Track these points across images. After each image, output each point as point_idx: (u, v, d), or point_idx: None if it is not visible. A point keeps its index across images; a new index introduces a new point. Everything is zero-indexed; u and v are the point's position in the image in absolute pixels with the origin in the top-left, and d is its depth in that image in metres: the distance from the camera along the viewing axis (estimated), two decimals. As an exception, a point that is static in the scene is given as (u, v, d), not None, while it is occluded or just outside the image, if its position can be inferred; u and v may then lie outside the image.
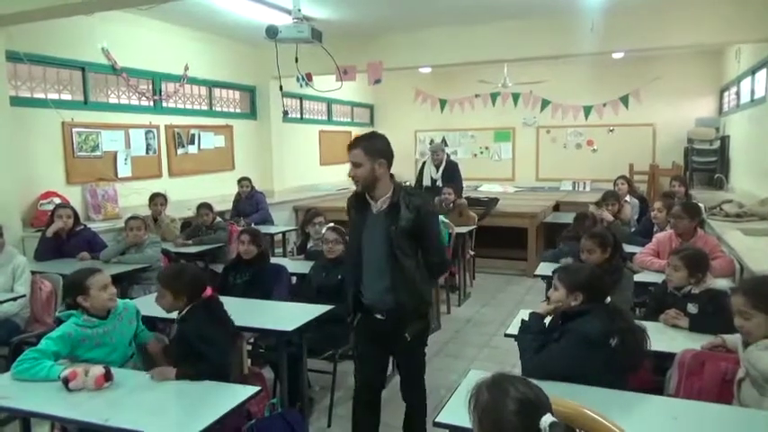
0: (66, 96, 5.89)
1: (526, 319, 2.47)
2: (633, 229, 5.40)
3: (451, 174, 7.07)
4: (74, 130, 5.82)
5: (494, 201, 7.65)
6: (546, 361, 2.25)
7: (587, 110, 10.34)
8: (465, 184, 7.88)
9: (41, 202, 5.39)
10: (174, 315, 2.68)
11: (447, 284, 5.74)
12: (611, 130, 10.25)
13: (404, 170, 11.49)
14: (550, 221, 7.39)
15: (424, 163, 7.48)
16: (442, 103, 11.33)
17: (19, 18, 4.60)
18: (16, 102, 5.18)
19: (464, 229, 5.96)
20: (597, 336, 2.20)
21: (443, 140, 11.04)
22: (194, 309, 2.60)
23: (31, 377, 2.33)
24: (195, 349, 2.45)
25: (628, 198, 6.11)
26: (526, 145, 10.93)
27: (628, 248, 4.14)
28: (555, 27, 6.63)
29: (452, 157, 7.88)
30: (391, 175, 2.66)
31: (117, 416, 2.03)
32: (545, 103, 10.59)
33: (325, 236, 3.90)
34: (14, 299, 3.76)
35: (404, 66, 7.89)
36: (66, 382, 2.24)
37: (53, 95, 5.73)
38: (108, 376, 2.27)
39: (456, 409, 2.09)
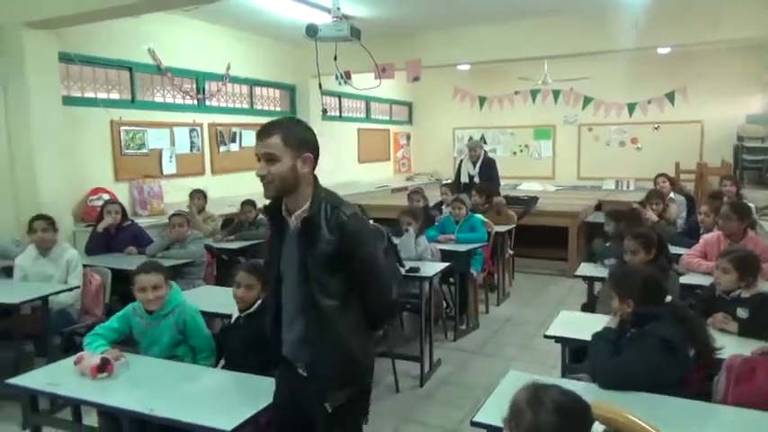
0: (115, 96, 6.09)
1: (568, 320, 2.43)
2: (680, 230, 5.24)
3: (488, 170, 7.01)
4: (121, 128, 6.02)
5: (533, 199, 7.54)
6: (623, 366, 2.20)
7: (631, 107, 10.09)
8: (504, 182, 7.81)
9: (91, 198, 5.59)
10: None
11: (485, 284, 5.69)
12: (656, 128, 9.97)
13: (442, 167, 11.49)
14: (592, 221, 7.23)
15: (461, 160, 7.43)
16: (481, 100, 11.24)
17: (70, 21, 4.77)
18: (68, 101, 5.37)
19: (503, 228, 5.90)
20: (675, 339, 2.16)
21: (482, 138, 10.94)
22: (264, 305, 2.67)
23: (87, 350, 2.55)
24: (260, 344, 2.51)
25: (672, 195, 5.92)
26: (567, 143, 10.74)
27: (674, 249, 4.03)
28: (596, 22, 6.49)
29: (491, 155, 7.80)
30: (315, 179, 1.93)
31: (161, 406, 2.10)
32: (587, 101, 10.38)
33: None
34: (70, 290, 3.91)
35: (442, 63, 7.85)
36: (75, 363, 2.43)
37: (102, 95, 5.93)
38: (102, 368, 2.36)
39: (494, 410, 2.07)
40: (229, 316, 2.92)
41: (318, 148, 1.92)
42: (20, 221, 4.80)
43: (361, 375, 1.97)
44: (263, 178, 1.85)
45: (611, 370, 2.21)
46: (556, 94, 10.49)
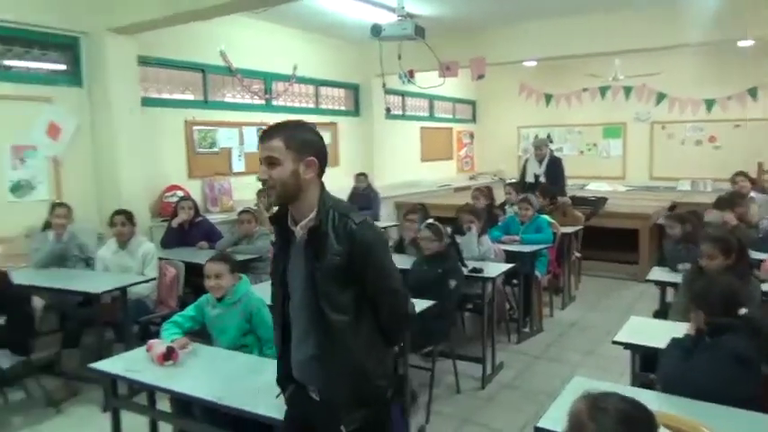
0: (189, 96, 6.36)
1: (638, 326, 2.35)
2: (762, 234, 4.92)
3: (554, 170, 6.83)
4: (194, 128, 6.27)
5: (602, 200, 7.29)
6: (690, 374, 2.13)
7: (709, 103, 9.55)
8: (570, 182, 7.60)
9: (166, 194, 5.87)
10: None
11: (550, 286, 5.56)
12: (736, 126, 9.40)
13: (506, 167, 11.30)
14: (665, 223, 6.91)
15: (527, 159, 7.28)
16: (548, 97, 10.96)
17: (148, 25, 5.02)
18: (146, 102, 5.65)
19: (569, 230, 5.75)
20: (747, 354, 2.08)
21: (548, 136, 10.67)
22: None
23: (162, 337, 2.71)
24: None
25: (753, 194, 5.55)
26: (638, 141, 10.30)
27: (755, 255, 3.79)
28: (670, 15, 6.19)
29: (557, 154, 7.61)
30: (322, 186, 1.79)
31: (229, 395, 2.17)
32: (660, 97, 9.92)
33: (421, 233, 3.91)
34: (147, 281, 4.12)
35: (508, 60, 7.72)
36: (147, 351, 2.59)
37: (177, 96, 6.21)
38: (167, 356, 2.50)
39: (557, 416, 2.03)
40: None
41: (325, 152, 1.80)
42: (102, 216, 5.10)
43: (378, 395, 1.82)
44: (264, 183, 1.74)
45: (678, 376, 2.14)
46: (627, 90, 10.08)
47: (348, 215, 1.73)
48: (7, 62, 4.80)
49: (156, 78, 5.99)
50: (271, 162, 1.71)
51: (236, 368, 2.50)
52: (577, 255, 6.23)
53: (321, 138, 1.81)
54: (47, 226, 4.46)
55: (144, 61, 5.61)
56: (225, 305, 2.90)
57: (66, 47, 5.16)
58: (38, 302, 3.73)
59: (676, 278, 3.72)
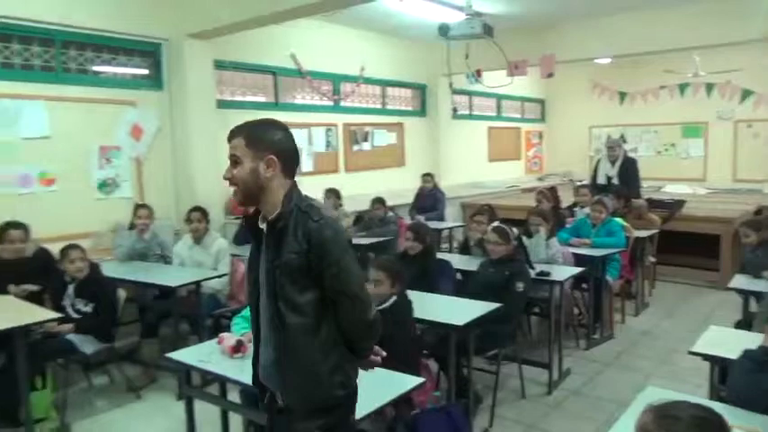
0: (261, 98, 6.57)
1: (718, 336, 2.23)
2: None
3: (629, 171, 6.56)
4: (265, 128, 6.46)
5: (679, 203, 6.94)
6: (758, 387, 2.02)
7: (802, 100, 8.91)
8: (646, 184, 7.28)
9: (238, 193, 6.07)
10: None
11: (623, 292, 5.35)
12: (833, 124, 8.71)
13: (576, 167, 10.98)
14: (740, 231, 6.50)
15: (599, 160, 7.03)
16: (622, 95, 10.56)
17: (224, 31, 5.22)
18: (220, 104, 5.88)
19: (644, 233, 5.51)
20: None
21: (622, 136, 10.27)
22: (401, 302, 2.82)
23: (232, 331, 2.80)
24: (390, 342, 2.63)
25: None
26: (721, 141, 9.74)
27: None
28: (756, 6, 5.81)
29: (631, 155, 7.30)
30: (290, 185, 1.72)
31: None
32: (746, 94, 9.34)
33: (487, 236, 3.87)
34: (219, 276, 4.29)
35: (579, 57, 7.51)
36: (218, 343, 2.68)
37: (250, 98, 6.43)
38: (237, 349, 2.59)
39: (630, 426, 1.96)
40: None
41: (290, 151, 1.72)
42: (179, 213, 5.36)
43: (335, 405, 1.73)
44: (229, 182, 1.71)
45: (748, 389, 2.02)
46: (709, 87, 9.56)
47: (309, 213, 1.67)
48: (96, 68, 5.13)
49: (231, 81, 6.22)
50: (233, 161, 1.70)
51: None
52: (652, 259, 5.96)
53: (287, 136, 1.73)
54: (132, 226, 4.73)
55: (219, 65, 5.84)
56: None
57: (149, 53, 5.45)
58: (120, 294, 3.97)
59: (760, 286, 3.49)
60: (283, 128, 1.74)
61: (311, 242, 1.63)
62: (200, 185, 5.46)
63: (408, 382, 2.32)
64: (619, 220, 5.16)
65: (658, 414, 1.30)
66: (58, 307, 3.67)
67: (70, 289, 3.72)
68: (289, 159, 1.72)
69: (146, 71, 5.47)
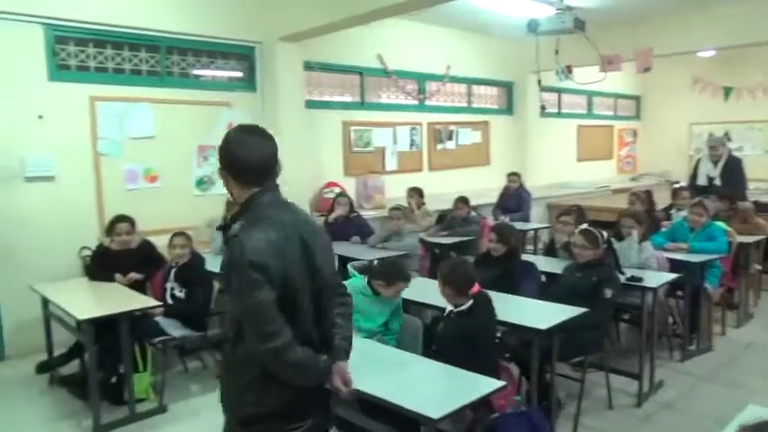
0: (347, 98, 6.71)
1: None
2: None
3: (733, 171, 6.10)
4: (351, 128, 6.61)
5: (791, 207, 6.38)
6: None
7: None
8: (752, 185, 6.74)
9: (324, 191, 6.26)
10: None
11: (723, 301, 5.00)
12: None
13: (674, 167, 10.35)
14: None
15: (699, 159, 6.60)
16: (726, 91, 9.82)
17: (314, 32, 5.39)
18: (308, 104, 6.07)
19: (749, 239, 5.11)
20: None
21: (725, 135, 9.58)
22: (479, 305, 2.83)
23: None
24: (469, 342, 2.64)
25: None
26: (844, 139, 8.85)
27: None
28: None
29: (736, 154, 6.79)
30: (256, 194, 1.70)
31: (374, 385, 2.25)
32: None
33: (574, 238, 3.74)
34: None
35: (680, 50, 7.08)
36: None
37: (336, 98, 6.58)
38: None
39: (728, 446, 1.84)
40: (440, 308, 3.04)
41: (236, 161, 1.69)
42: (268, 209, 5.58)
43: (252, 422, 1.71)
44: None
45: None
46: (830, 80, 8.70)
47: (239, 221, 1.65)
48: (196, 71, 5.45)
49: (318, 82, 6.40)
50: None
51: (382, 360, 2.59)
52: (758, 267, 5.52)
53: (232, 147, 1.70)
54: None
55: (308, 66, 6.02)
56: (385, 302, 3.10)
57: (244, 56, 5.73)
58: (214, 285, 4.19)
59: None
60: (230, 139, 1.71)
61: (226, 256, 1.65)
62: (289, 184, 5.64)
63: (489, 384, 2.30)
64: (720, 223, 4.82)
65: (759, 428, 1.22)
66: (162, 288, 4.00)
67: (172, 273, 4.01)
68: (238, 170, 1.70)
69: (240, 74, 5.75)
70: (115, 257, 4.11)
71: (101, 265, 4.11)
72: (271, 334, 1.59)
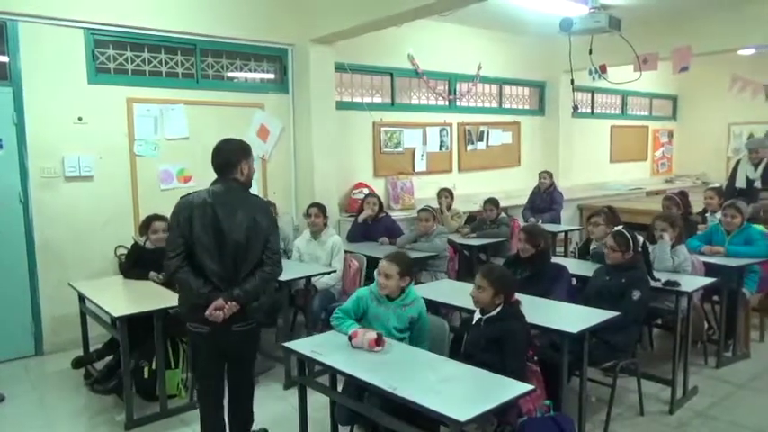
0: (377, 99, 6.73)
1: None
2: None
3: (775, 174, 5.92)
4: (381, 129, 6.63)
5: (837, 210, 6.14)
6: None
7: None
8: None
9: (354, 191, 6.30)
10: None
11: (761, 307, 4.85)
12: None
13: (711, 169, 10.08)
14: None
15: (738, 161, 6.41)
16: (768, 90, 9.50)
17: (346, 34, 5.42)
18: (339, 105, 6.12)
19: (790, 243, 4.94)
20: None
21: (766, 135, 9.27)
22: (508, 310, 2.79)
23: (338, 329, 2.88)
24: (500, 346, 2.62)
25: None
26: None
27: None
28: None
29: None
30: (213, 182, 2.86)
31: (403, 387, 2.27)
32: None
33: (606, 240, 3.67)
34: (329, 273, 4.47)
35: (720, 49, 6.87)
36: (350, 338, 2.70)
37: (367, 99, 6.61)
38: (379, 342, 2.63)
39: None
40: (468, 310, 3.03)
41: (212, 160, 2.82)
42: (299, 209, 5.65)
43: (179, 315, 2.90)
44: None
45: None
46: None
47: None
48: (230, 74, 5.54)
49: (349, 83, 6.44)
50: None
51: (411, 362, 2.60)
52: (800, 273, 5.33)
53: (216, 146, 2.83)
54: None
55: (339, 67, 6.06)
56: (394, 305, 2.94)
57: (276, 58, 5.80)
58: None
59: None
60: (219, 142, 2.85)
61: None
62: (318, 183, 5.72)
63: (517, 388, 2.28)
64: (759, 226, 4.68)
65: None
66: None
67: None
68: (213, 167, 2.83)
69: (273, 75, 5.83)
70: (150, 256, 4.21)
71: (135, 264, 4.21)
72: (170, 256, 2.71)
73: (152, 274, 4.11)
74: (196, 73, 5.30)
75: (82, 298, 4.07)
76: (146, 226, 4.26)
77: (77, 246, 4.69)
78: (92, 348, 4.21)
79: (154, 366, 3.59)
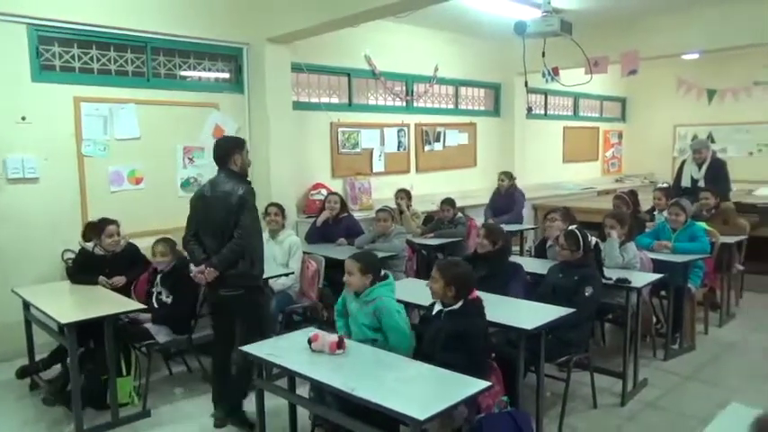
0: (335, 99, 6.71)
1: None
2: None
3: (716, 174, 6.19)
4: (339, 129, 6.61)
5: (773, 207, 6.47)
6: None
7: None
8: (736, 186, 6.84)
9: (312, 192, 6.25)
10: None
11: (706, 301, 5.06)
12: None
13: (659, 169, 10.46)
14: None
15: (683, 161, 6.68)
16: (710, 93, 9.95)
17: (302, 34, 5.37)
18: (296, 106, 6.05)
19: (730, 239, 5.18)
20: None
21: (709, 136, 9.71)
22: (471, 306, 2.82)
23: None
24: (462, 343, 2.63)
25: None
26: (824, 141, 8.99)
27: None
28: None
29: (719, 155, 6.87)
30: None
31: (362, 387, 2.27)
32: None
33: (559, 239, 3.76)
34: (286, 275, 4.42)
35: (665, 53, 7.13)
36: (310, 341, 2.68)
37: (324, 99, 6.58)
38: (340, 344, 2.64)
39: (708, 445, 1.86)
40: (427, 307, 3.04)
41: (213, 154, 3.46)
42: (255, 211, 5.57)
43: None
44: None
45: None
46: (811, 83, 8.83)
47: None
48: (183, 73, 5.42)
49: (307, 83, 6.39)
50: None
51: (371, 362, 2.60)
52: (739, 267, 5.59)
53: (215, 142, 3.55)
54: None
55: (296, 68, 6.01)
56: (360, 301, 3.04)
57: (231, 57, 5.70)
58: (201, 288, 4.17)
59: None
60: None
61: None
62: (276, 184, 5.65)
63: (475, 385, 2.31)
64: (702, 224, 4.88)
65: None
66: (147, 293, 3.98)
67: (158, 278, 4.00)
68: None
69: (227, 75, 5.73)
70: (99, 261, 4.08)
71: (84, 269, 4.07)
72: (185, 233, 3.47)
73: (101, 278, 3.99)
74: (147, 72, 5.15)
75: (27, 305, 3.90)
76: (95, 229, 4.11)
77: (21, 250, 4.49)
78: (38, 357, 4.04)
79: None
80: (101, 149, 4.86)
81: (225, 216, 3.25)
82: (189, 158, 5.40)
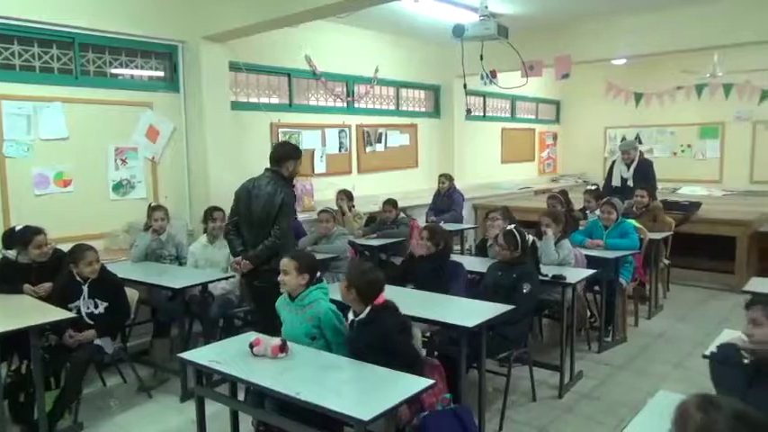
0: (275, 100, 6.61)
1: (727, 342, 2.18)
2: None
3: (644, 173, 6.51)
4: (280, 130, 6.52)
5: (695, 205, 6.86)
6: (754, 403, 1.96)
7: (824, 101, 8.75)
8: (661, 185, 7.21)
9: (251, 194, 6.11)
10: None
11: (636, 295, 5.31)
12: None
13: (591, 169, 10.90)
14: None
15: (613, 162, 6.99)
16: (637, 96, 10.46)
17: (239, 33, 5.26)
18: (235, 106, 5.93)
19: (658, 236, 5.46)
20: None
21: (637, 138, 10.20)
22: (376, 313, 2.69)
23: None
24: (382, 349, 2.58)
25: None
26: (738, 142, 9.62)
27: None
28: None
29: (646, 156, 7.24)
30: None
31: (306, 391, 2.24)
32: (765, 95, 9.20)
33: (498, 239, 3.85)
34: (227, 278, 4.32)
35: (595, 58, 7.45)
36: (251, 346, 2.62)
37: (264, 100, 6.47)
38: (283, 348, 2.59)
39: (641, 430, 1.95)
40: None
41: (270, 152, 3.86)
42: (193, 213, 5.42)
43: None
44: None
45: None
46: (727, 88, 9.41)
47: None
48: (114, 70, 5.19)
49: (246, 83, 6.27)
50: None
51: (312, 365, 2.57)
52: (666, 262, 5.91)
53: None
54: (147, 227, 4.75)
55: (235, 67, 5.88)
56: (295, 306, 2.91)
57: (166, 55, 5.51)
58: (133, 295, 4.01)
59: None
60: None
61: None
62: (214, 186, 5.51)
63: (418, 383, 2.33)
64: (631, 221, 5.12)
65: (702, 400, 1.34)
66: (65, 307, 3.53)
67: (85, 291, 3.66)
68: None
69: (162, 73, 5.53)
70: (24, 269, 3.83)
71: (6, 278, 3.79)
72: (227, 224, 3.97)
73: (26, 287, 3.75)
74: (75, 68, 4.90)
75: (-58, 317, 3.62)
76: (20, 240, 3.82)
77: (-64, 259, 4.17)
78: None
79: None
80: (24, 150, 4.59)
81: (266, 214, 3.61)
82: (121, 159, 5.18)
